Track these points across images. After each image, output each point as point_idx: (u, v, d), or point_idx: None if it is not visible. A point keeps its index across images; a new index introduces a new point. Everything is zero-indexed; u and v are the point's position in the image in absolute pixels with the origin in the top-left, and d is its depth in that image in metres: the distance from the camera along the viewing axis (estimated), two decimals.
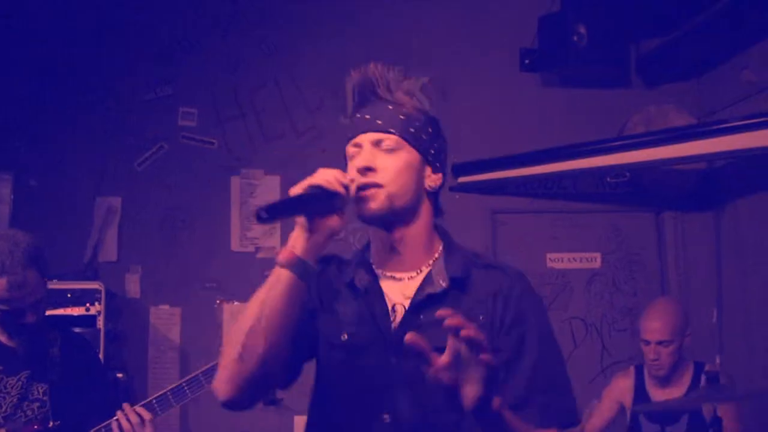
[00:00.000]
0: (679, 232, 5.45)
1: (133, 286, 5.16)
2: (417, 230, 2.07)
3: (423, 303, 2.01)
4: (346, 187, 1.94)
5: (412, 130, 2.06)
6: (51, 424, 3.13)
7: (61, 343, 3.26)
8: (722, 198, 5.29)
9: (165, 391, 3.32)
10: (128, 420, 3.20)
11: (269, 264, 2.06)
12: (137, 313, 5.12)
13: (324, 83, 5.37)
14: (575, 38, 5.12)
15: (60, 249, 4.98)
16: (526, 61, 5.42)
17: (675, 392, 4.10)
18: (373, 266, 2.10)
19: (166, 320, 5.13)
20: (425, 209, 2.09)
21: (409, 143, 2.05)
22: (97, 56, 5.27)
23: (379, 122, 2.05)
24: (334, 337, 2.04)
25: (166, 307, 5.14)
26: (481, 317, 1.99)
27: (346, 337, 2.03)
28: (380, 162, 2.02)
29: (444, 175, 2.13)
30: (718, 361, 4.06)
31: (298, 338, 2.00)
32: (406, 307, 2.02)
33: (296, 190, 1.90)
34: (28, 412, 3.13)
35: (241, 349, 1.88)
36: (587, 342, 5.38)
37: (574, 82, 5.47)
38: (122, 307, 5.02)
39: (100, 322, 4.58)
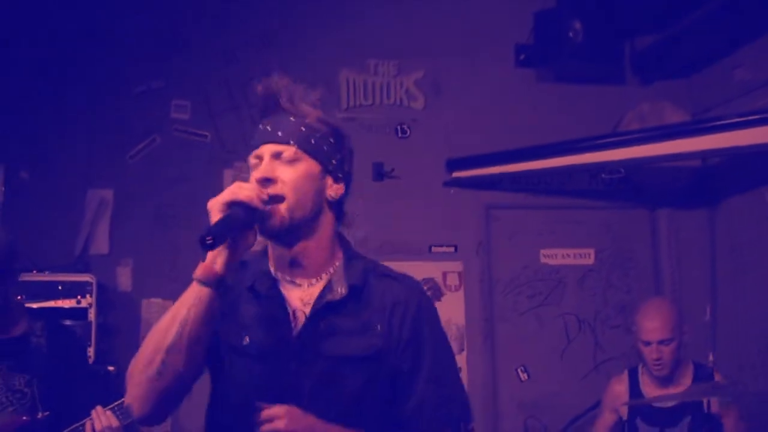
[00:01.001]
0: (673, 228, 5.45)
1: (124, 278, 5.14)
2: (317, 242, 2.08)
3: (323, 310, 2.04)
4: (264, 202, 1.96)
5: (312, 141, 2.07)
6: (40, 415, 3.11)
7: (47, 335, 3.24)
8: (716, 195, 5.30)
9: None
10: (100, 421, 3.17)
11: None
12: (129, 306, 5.10)
13: (317, 77, 5.29)
14: (570, 34, 5.12)
15: (51, 241, 4.97)
16: (521, 57, 5.43)
17: (674, 392, 4.09)
18: (272, 271, 2.10)
19: (157, 313, 5.10)
20: (326, 220, 2.10)
21: (309, 154, 2.05)
22: (89, 48, 5.23)
23: (280, 134, 2.06)
24: (235, 340, 2.05)
25: (158, 300, 5.10)
26: (378, 326, 2.05)
27: (247, 340, 2.03)
28: (280, 173, 2.03)
29: (347, 185, 2.13)
30: (711, 358, 4.05)
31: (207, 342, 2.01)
32: (307, 314, 2.04)
33: (217, 207, 1.91)
34: (14, 402, 3.11)
35: (160, 366, 1.89)
36: (580, 338, 5.37)
37: (569, 78, 5.47)
38: (114, 300, 4.99)
39: (92, 315, 4.55)
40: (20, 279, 3.29)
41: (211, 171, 5.26)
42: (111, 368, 4.68)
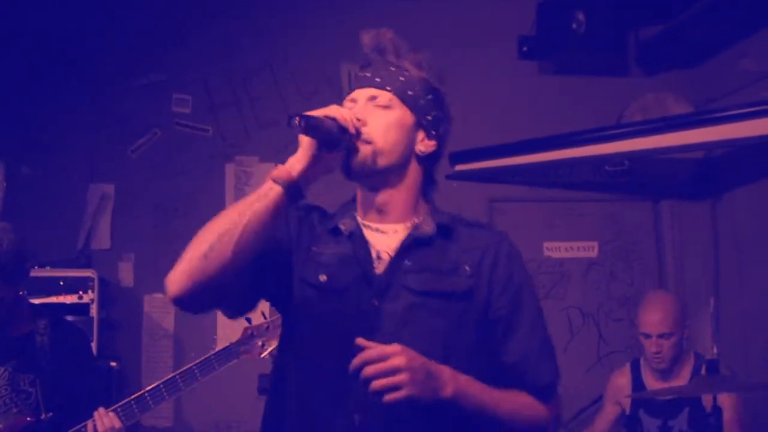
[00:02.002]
0: (677, 221, 5.43)
1: (126, 274, 5.13)
2: (402, 194, 2.06)
3: (410, 247, 2.00)
4: (356, 129, 1.96)
5: (409, 92, 2.05)
6: (44, 416, 3.10)
7: (50, 333, 3.22)
8: (720, 187, 5.28)
9: (158, 383, 3.28)
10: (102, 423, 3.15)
11: None
12: (131, 301, 5.09)
13: (319, 70, 5.34)
14: (574, 25, 5.10)
15: (52, 236, 4.97)
16: (524, 49, 5.40)
17: (676, 385, 4.08)
18: (358, 217, 2.09)
19: (159, 308, 5.10)
20: (413, 173, 2.07)
21: (404, 102, 2.04)
22: (90, 43, 5.23)
23: (378, 79, 2.05)
24: (311, 277, 2.01)
25: (160, 295, 5.09)
26: (467, 267, 2.00)
27: (324, 278, 2.00)
28: (371, 116, 2.01)
29: (439, 145, 2.10)
30: (715, 350, 4.02)
31: (265, 270, 1.99)
32: (391, 255, 2.00)
33: (316, 113, 1.91)
34: (19, 403, 3.10)
35: (208, 248, 1.86)
36: (584, 331, 5.36)
37: (573, 69, 5.45)
38: (116, 295, 4.99)
39: (93, 310, 4.55)
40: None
41: (212, 165, 5.25)
42: (113, 364, 4.68)
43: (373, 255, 2.01)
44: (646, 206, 5.54)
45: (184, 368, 3.29)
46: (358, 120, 1.99)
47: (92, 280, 4.59)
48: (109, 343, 4.82)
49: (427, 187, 2.13)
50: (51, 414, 3.11)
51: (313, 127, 1.89)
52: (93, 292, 4.58)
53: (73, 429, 3.15)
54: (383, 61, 2.08)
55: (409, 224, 2.05)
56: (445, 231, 2.04)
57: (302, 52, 5.35)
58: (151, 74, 5.26)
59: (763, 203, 4.82)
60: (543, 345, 2.03)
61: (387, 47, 2.09)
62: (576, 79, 5.45)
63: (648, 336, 4.06)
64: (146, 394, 3.24)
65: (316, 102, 5.60)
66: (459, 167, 5.23)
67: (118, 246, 5.15)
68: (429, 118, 2.07)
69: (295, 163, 1.93)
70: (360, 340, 1.78)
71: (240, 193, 5.22)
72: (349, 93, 2.11)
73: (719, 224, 5.29)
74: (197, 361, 3.27)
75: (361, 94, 2.06)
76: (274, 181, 1.91)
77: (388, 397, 1.74)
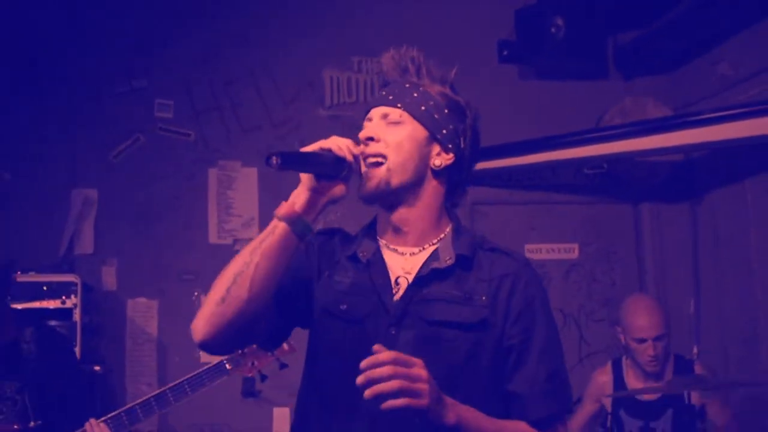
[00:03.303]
0: (656, 223, 5.48)
1: (109, 278, 5.12)
2: (421, 211, 2.06)
3: (428, 277, 2.01)
4: (355, 157, 1.98)
5: (422, 107, 2.06)
6: (32, 423, 3.09)
7: (36, 340, 3.21)
8: (699, 189, 5.32)
9: (148, 397, 3.30)
10: None
11: None
12: (114, 305, 5.08)
13: (300, 75, 5.36)
14: (553, 30, 5.13)
15: (35, 241, 4.96)
16: (504, 53, 5.43)
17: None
18: (378, 238, 2.10)
19: (143, 313, 5.10)
20: (431, 189, 2.07)
21: (415, 118, 2.05)
22: (72, 47, 5.21)
23: (390, 97, 2.08)
24: (332, 306, 2.03)
25: (144, 299, 5.10)
26: (483, 297, 1.99)
27: (345, 307, 2.02)
28: (383, 133, 2.03)
29: (459, 158, 2.08)
30: (695, 350, 4.08)
31: (289, 301, 2.03)
32: (410, 281, 2.02)
33: (310, 148, 1.95)
34: (5, 410, 3.09)
35: (224, 292, 1.91)
36: (565, 332, 5.38)
37: (552, 74, 5.49)
38: (99, 300, 4.97)
39: (77, 315, 4.53)
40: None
41: (195, 170, 5.26)
42: (97, 368, 4.67)
43: (392, 280, 2.03)
44: (625, 208, 5.58)
45: (175, 383, 3.31)
46: (371, 140, 2.02)
47: (75, 285, 4.58)
48: (92, 347, 4.81)
49: (449, 202, 2.14)
50: (39, 422, 3.10)
51: (292, 163, 1.92)
52: (76, 297, 4.56)
53: None
54: (401, 81, 2.10)
55: (428, 246, 2.06)
56: (464, 261, 2.04)
57: (284, 58, 5.36)
58: (134, 80, 5.26)
59: (741, 205, 4.87)
60: (551, 377, 2.00)
61: (408, 67, 2.12)
62: (555, 84, 5.49)
63: (643, 341, 4.05)
64: (137, 407, 3.25)
65: (298, 106, 5.65)
66: None
67: (101, 251, 5.14)
68: (444, 132, 2.07)
69: (296, 198, 1.97)
70: (377, 346, 1.77)
71: (222, 198, 5.23)
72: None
73: (699, 226, 5.34)
74: (188, 376, 3.30)
75: (375, 112, 2.09)
76: (279, 218, 1.95)
77: (404, 402, 1.72)
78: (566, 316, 5.42)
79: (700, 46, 5.14)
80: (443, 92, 2.12)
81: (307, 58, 5.30)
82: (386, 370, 1.72)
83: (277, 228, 1.94)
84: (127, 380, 5.00)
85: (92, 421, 3.15)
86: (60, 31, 5.21)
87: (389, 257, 2.06)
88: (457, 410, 1.85)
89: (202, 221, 5.23)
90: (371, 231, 2.13)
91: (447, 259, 2.02)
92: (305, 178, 1.96)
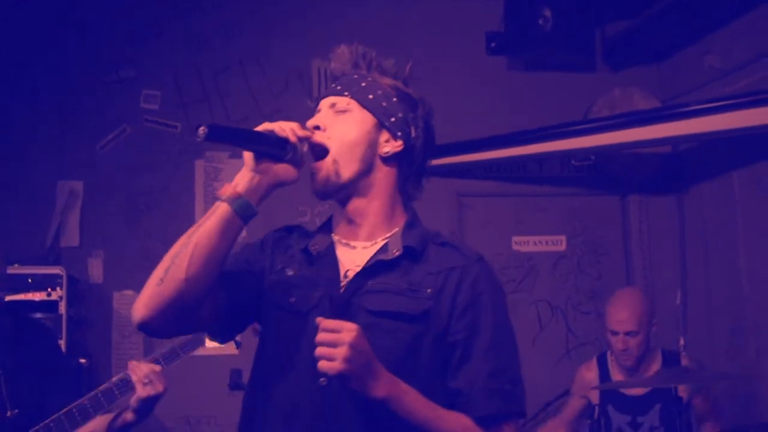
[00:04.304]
0: (644, 215, 5.49)
1: (96, 270, 5.10)
2: (373, 202, 2.05)
3: (373, 268, 2.00)
4: (301, 139, 1.96)
5: (370, 96, 2.06)
6: (9, 413, 3.06)
7: (16, 330, 3.19)
8: (686, 181, 5.34)
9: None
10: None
11: None
12: (100, 298, 5.06)
13: (289, 66, 5.34)
14: (541, 22, 5.12)
15: (21, 233, 4.93)
16: (492, 45, 5.43)
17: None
18: (333, 234, 2.10)
19: (129, 305, 4.96)
20: (382, 177, 2.06)
21: (362, 105, 2.05)
22: (58, 38, 5.18)
23: (338, 87, 2.08)
24: (282, 299, 2.03)
25: (130, 292, 5.07)
26: (429, 290, 1.97)
27: (294, 300, 2.01)
28: (330, 122, 2.04)
29: (409, 146, 2.08)
30: (682, 342, 4.08)
31: (240, 292, 2.02)
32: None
33: (259, 129, 1.94)
34: None
35: (163, 273, 1.89)
36: (552, 324, 5.40)
37: (540, 65, 5.49)
38: (85, 292, 4.95)
39: (62, 308, 4.51)
40: None
41: (182, 161, 5.23)
42: (83, 360, 4.66)
43: (342, 274, 2.01)
44: (613, 200, 5.59)
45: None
46: (318, 128, 2.02)
47: (61, 277, 4.55)
48: (78, 340, 4.79)
49: (405, 195, 2.12)
50: (17, 411, 3.07)
51: (222, 136, 1.88)
52: (62, 289, 4.54)
53: (107, 384, 3.08)
54: (351, 73, 2.11)
55: (380, 239, 2.05)
56: (412, 253, 2.01)
57: (273, 49, 5.34)
58: (121, 70, 5.23)
59: (728, 197, 4.88)
60: (497, 375, 1.95)
61: (359, 62, 2.13)
62: (543, 75, 5.48)
63: (615, 333, 4.09)
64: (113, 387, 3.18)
65: (286, 97, 5.63)
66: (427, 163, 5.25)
67: (87, 243, 5.12)
68: (393, 119, 2.06)
69: (239, 179, 1.95)
70: (319, 318, 1.80)
71: (210, 189, 5.21)
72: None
73: (686, 218, 5.36)
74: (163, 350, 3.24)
75: (324, 103, 2.09)
76: (220, 199, 1.93)
77: (321, 365, 1.75)
78: (553, 309, 5.43)
79: (689, 38, 5.15)
80: (393, 84, 2.11)
81: (295, 50, 5.28)
82: (319, 337, 1.76)
83: (219, 208, 1.92)
84: (114, 373, 4.97)
85: (132, 362, 3.09)
86: (46, 22, 5.18)
87: (341, 252, 2.05)
88: (391, 386, 1.83)
89: (189, 213, 5.21)
90: (327, 226, 2.13)
91: (394, 251, 2.01)
92: (248, 158, 1.94)
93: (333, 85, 2.11)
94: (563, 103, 5.30)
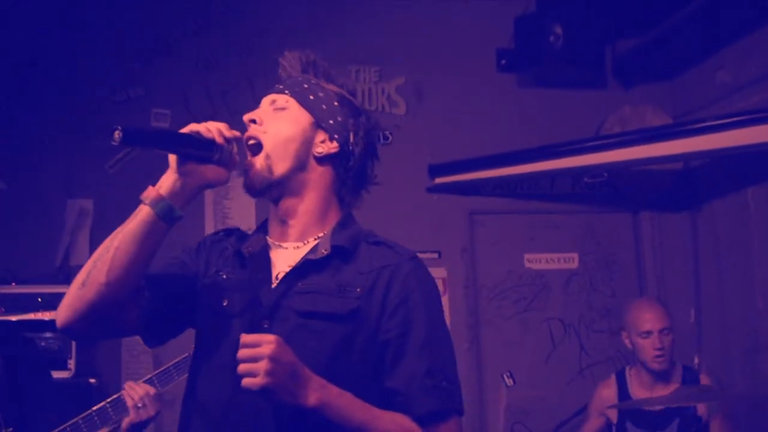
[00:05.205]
0: (656, 232, 5.46)
1: None
2: (304, 201, 2.04)
3: (301, 269, 1.97)
4: (228, 140, 1.93)
5: (310, 96, 2.07)
6: (4, 431, 3.05)
7: (4, 348, 3.17)
8: (699, 198, 5.30)
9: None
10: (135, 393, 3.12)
11: None
12: None
13: None
14: (551, 39, 5.12)
15: (31, 252, 4.92)
16: (503, 62, 5.43)
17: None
18: (267, 236, 2.08)
19: None
20: (316, 177, 2.05)
21: (302, 104, 2.06)
22: (68, 57, 5.19)
23: (281, 86, 2.11)
24: (215, 302, 2.01)
25: None
26: (358, 289, 1.95)
27: (226, 303, 1.99)
28: (267, 117, 2.05)
29: (345, 150, 2.06)
30: (696, 360, 4.04)
31: (172, 296, 2.02)
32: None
33: (184, 130, 1.91)
34: None
35: (85, 276, 1.88)
36: (565, 342, 5.36)
37: (551, 82, 5.48)
38: None
39: None
40: None
41: None
42: (92, 380, 4.63)
43: (273, 276, 1.99)
44: (625, 217, 5.57)
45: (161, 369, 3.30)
46: (252, 122, 2.03)
47: None
48: (87, 359, 4.77)
49: (340, 201, 2.10)
50: (11, 429, 3.06)
51: (139, 139, 1.82)
52: None
53: (105, 402, 3.11)
54: (297, 76, 2.12)
55: (312, 239, 2.03)
56: (342, 253, 1.99)
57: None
58: (130, 89, 5.23)
59: (742, 213, 4.84)
60: (432, 373, 1.92)
61: (307, 68, 2.14)
62: (554, 92, 5.47)
63: (648, 333, 4.00)
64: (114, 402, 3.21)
65: None
66: (439, 180, 5.24)
67: None
68: (331, 122, 2.06)
69: (162, 182, 1.93)
70: (242, 335, 1.75)
71: (219, 208, 5.20)
72: None
73: (699, 235, 5.32)
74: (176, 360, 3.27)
75: (265, 100, 2.11)
76: (142, 202, 1.91)
77: (244, 382, 1.71)
78: (566, 327, 5.39)
79: (699, 54, 5.13)
80: (338, 91, 2.11)
81: None
82: (240, 354, 1.73)
83: (141, 211, 1.90)
84: None
85: (129, 382, 3.12)
86: (57, 40, 5.19)
87: (274, 253, 2.04)
88: (322, 392, 1.79)
89: (198, 231, 5.18)
90: (262, 228, 2.12)
91: (323, 251, 1.98)
92: (171, 160, 1.92)
93: (277, 85, 2.12)
94: (574, 121, 5.29)
